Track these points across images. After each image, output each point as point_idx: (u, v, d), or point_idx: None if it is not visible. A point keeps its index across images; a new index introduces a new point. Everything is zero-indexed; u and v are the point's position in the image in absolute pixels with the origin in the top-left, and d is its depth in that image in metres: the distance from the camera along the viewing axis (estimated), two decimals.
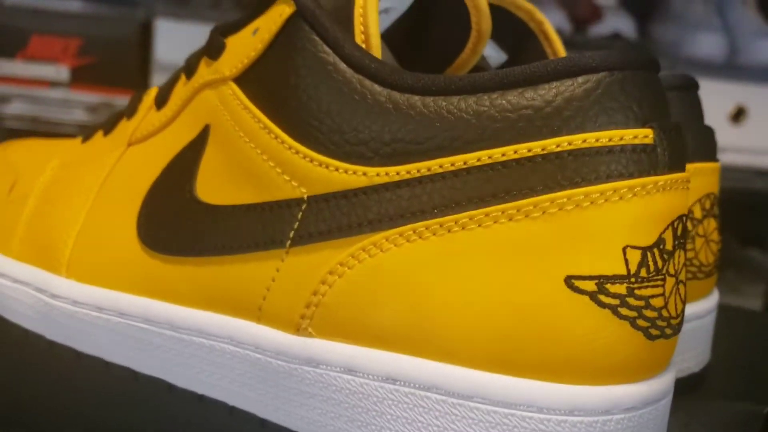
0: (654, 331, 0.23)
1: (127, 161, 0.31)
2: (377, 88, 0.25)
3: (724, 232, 0.35)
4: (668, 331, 0.24)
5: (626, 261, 0.23)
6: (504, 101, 0.23)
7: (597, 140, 0.23)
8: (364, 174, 0.25)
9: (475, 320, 0.23)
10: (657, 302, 0.23)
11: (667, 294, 0.23)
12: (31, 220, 0.33)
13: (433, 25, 0.31)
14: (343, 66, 0.25)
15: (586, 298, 0.22)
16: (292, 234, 0.26)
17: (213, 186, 0.28)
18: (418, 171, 0.24)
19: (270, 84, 0.27)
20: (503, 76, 0.24)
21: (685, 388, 0.34)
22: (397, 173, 0.24)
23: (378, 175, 0.24)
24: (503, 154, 0.23)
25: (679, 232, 0.24)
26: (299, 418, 0.26)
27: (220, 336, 0.27)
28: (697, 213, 0.33)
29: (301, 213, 0.25)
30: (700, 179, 0.34)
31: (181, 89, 0.31)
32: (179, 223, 0.28)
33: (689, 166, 0.34)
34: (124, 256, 0.29)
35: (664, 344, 0.24)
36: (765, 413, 0.33)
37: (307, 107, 0.26)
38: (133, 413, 0.30)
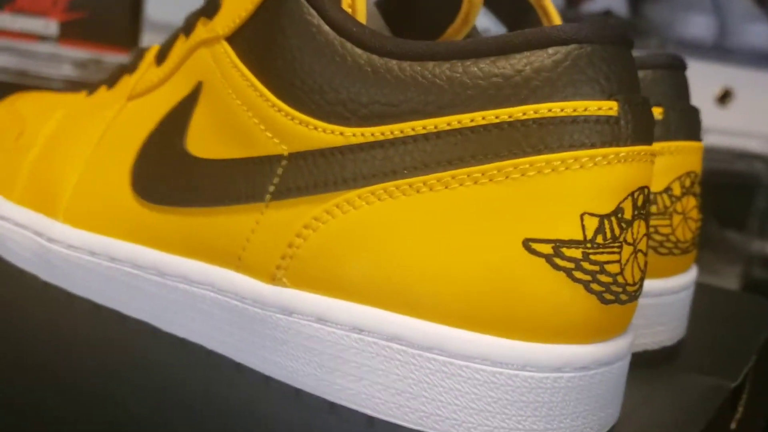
0: (608, 296, 0.24)
1: (126, 115, 0.33)
2: (357, 51, 0.26)
3: (704, 213, 0.35)
4: (624, 297, 0.25)
5: (583, 227, 0.23)
6: (476, 68, 0.24)
7: (562, 110, 0.24)
8: (341, 134, 0.26)
9: (439, 277, 0.24)
10: (612, 268, 0.24)
11: (623, 261, 0.24)
12: (34, 167, 0.34)
13: None
14: (326, 28, 0.26)
15: (542, 261, 0.23)
16: (272, 189, 0.27)
17: (202, 140, 0.29)
18: (392, 133, 0.25)
19: (258, 43, 0.28)
20: (477, 44, 0.24)
21: (655, 361, 0.35)
22: (372, 134, 0.25)
23: (354, 135, 0.25)
24: (472, 120, 0.24)
25: (639, 203, 0.24)
26: (272, 363, 0.27)
27: (202, 283, 0.28)
28: (677, 190, 0.34)
29: (281, 169, 0.27)
30: (682, 157, 0.34)
31: (179, 47, 0.32)
32: (169, 175, 0.30)
33: (672, 144, 0.35)
34: (118, 204, 0.31)
35: (619, 309, 0.25)
36: (731, 388, 0.34)
37: (291, 67, 0.27)
38: (119, 356, 0.31)
